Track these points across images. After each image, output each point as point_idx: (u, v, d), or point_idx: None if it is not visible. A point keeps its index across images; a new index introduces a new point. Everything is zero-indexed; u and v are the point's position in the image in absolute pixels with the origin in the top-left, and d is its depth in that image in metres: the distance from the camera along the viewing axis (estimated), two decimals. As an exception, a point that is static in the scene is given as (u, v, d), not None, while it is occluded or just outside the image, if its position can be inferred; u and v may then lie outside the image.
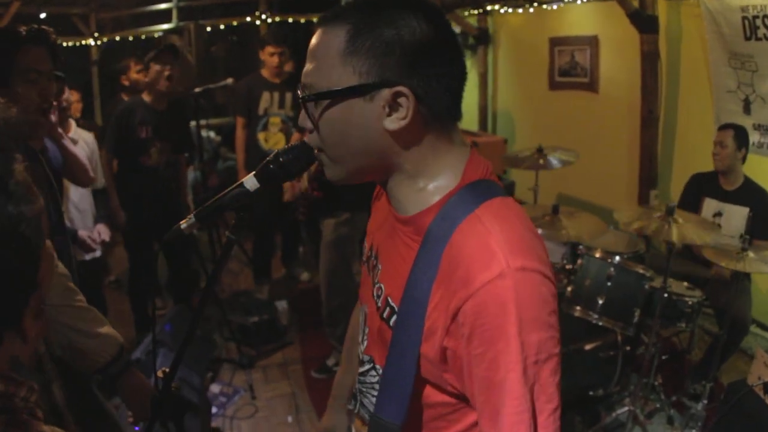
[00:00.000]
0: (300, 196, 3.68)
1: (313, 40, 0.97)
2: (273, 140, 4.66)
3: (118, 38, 7.08)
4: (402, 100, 0.92)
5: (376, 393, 1.11)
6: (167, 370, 1.21)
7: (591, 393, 3.20)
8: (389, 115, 0.94)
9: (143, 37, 7.14)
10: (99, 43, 7.08)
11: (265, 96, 4.57)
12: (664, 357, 3.40)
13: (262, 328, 4.27)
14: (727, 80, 4.02)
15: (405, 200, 1.03)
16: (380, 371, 1.11)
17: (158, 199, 3.92)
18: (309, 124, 1.00)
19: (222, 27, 7.46)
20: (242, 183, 1.07)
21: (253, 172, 1.06)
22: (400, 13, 0.92)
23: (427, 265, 0.96)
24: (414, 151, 0.99)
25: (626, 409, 3.06)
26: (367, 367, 1.16)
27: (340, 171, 1.02)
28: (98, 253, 3.45)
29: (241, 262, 5.30)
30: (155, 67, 3.75)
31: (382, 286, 1.10)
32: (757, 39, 3.67)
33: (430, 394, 1.03)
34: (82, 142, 3.43)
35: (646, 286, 3.07)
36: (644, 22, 4.54)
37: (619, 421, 3.11)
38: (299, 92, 0.99)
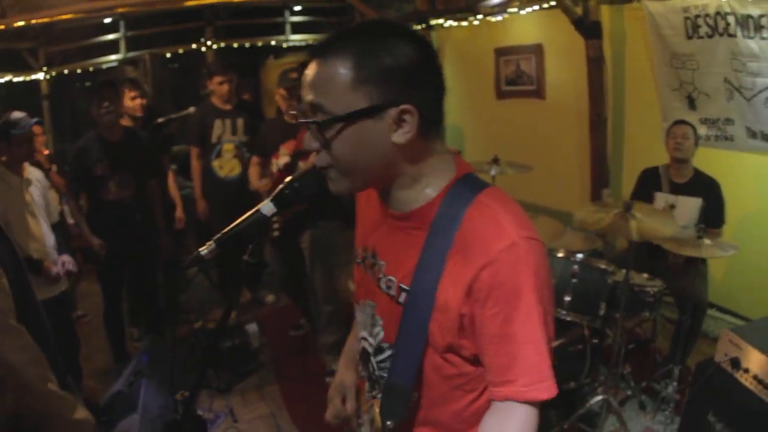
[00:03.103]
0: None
1: (312, 72, 1.07)
2: (228, 167, 4.67)
3: (67, 71, 6.95)
4: (407, 116, 1.06)
5: None
6: (186, 393, 1.25)
7: (563, 386, 3.31)
8: (396, 130, 1.07)
9: (92, 69, 7.04)
10: (49, 77, 6.95)
11: (218, 123, 4.58)
12: (630, 346, 3.55)
13: (235, 352, 4.26)
14: (671, 79, 4.18)
15: (407, 199, 1.17)
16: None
17: (125, 231, 3.93)
18: (316, 145, 1.10)
19: (168, 55, 7.40)
20: (259, 209, 1.14)
21: (269, 198, 1.14)
22: (392, 41, 1.05)
23: (439, 246, 1.10)
24: (417, 157, 1.13)
25: (599, 398, 3.16)
26: (387, 353, 1.23)
27: (349, 184, 1.14)
28: (63, 287, 3.39)
29: (209, 289, 5.27)
30: (93, 107, 3.79)
31: (392, 278, 1.21)
32: (699, 37, 3.82)
33: (445, 366, 1.16)
34: (34, 180, 3.39)
35: (610, 281, 3.18)
36: (589, 28, 4.67)
37: (594, 411, 3.21)
38: (308, 118, 1.07)
